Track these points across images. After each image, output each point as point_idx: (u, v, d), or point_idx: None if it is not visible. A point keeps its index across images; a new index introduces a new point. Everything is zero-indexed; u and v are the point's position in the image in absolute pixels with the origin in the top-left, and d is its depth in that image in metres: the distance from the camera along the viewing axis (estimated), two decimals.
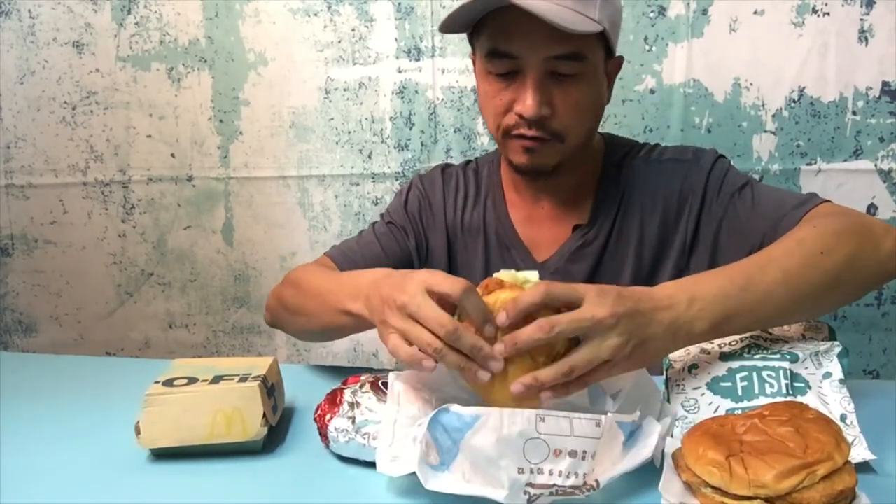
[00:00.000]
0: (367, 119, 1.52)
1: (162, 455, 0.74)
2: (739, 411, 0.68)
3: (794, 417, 0.59)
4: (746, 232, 0.90)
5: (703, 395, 0.71)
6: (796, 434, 0.57)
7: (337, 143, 1.54)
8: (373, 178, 1.54)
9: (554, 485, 0.60)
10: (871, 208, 1.40)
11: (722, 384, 0.71)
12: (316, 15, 1.50)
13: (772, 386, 0.69)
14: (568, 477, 0.60)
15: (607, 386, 0.74)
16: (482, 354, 0.64)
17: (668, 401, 0.73)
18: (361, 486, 0.68)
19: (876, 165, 1.38)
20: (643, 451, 0.63)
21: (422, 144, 1.51)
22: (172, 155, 1.59)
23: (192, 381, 0.75)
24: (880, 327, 1.44)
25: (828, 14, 1.35)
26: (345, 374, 0.82)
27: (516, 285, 0.67)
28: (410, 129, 1.51)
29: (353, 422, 0.70)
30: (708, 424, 0.62)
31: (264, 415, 0.73)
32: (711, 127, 1.42)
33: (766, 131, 1.41)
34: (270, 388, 0.77)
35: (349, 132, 1.53)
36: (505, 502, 0.59)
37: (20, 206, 1.62)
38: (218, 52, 1.54)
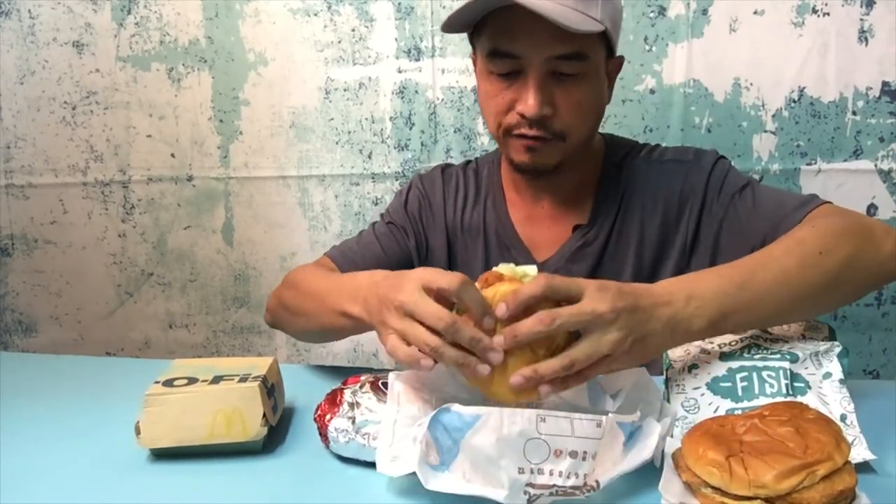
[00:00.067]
0: (367, 119, 1.52)
1: (162, 455, 0.74)
2: (739, 411, 0.68)
3: (794, 417, 0.59)
4: (747, 233, 0.90)
5: (703, 395, 0.71)
6: (796, 434, 0.57)
7: (337, 143, 1.54)
8: (373, 178, 1.54)
9: (554, 485, 0.60)
10: (871, 208, 1.40)
11: (722, 384, 0.71)
12: (316, 15, 1.50)
13: (772, 386, 0.69)
14: (568, 477, 0.60)
15: (607, 385, 0.75)
16: (481, 346, 0.64)
17: (668, 401, 0.73)
18: (361, 486, 0.68)
19: (876, 165, 1.39)
20: (643, 451, 0.63)
21: (422, 144, 1.51)
22: (172, 155, 1.59)
23: (192, 381, 0.75)
24: (880, 327, 1.44)
25: (828, 14, 1.35)
26: (345, 374, 0.82)
27: (515, 279, 0.67)
28: (410, 129, 1.51)
29: (353, 422, 0.70)
30: (708, 424, 0.62)
31: (264, 415, 0.73)
32: (711, 127, 1.42)
33: (766, 131, 1.41)
34: (270, 388, 0.77)
35: (349, 132, 1.53)
36: (505, 502, 0.59)
37: (20, 206, 1.62)
38: (218, 52, 1.54)
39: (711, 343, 0.76)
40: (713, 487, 0.56)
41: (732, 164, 0.98)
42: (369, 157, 1.53)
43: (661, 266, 0.97)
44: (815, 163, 1.40)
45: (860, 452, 0.64)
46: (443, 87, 1.48)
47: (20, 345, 1.68)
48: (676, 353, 0.77)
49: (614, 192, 0.99)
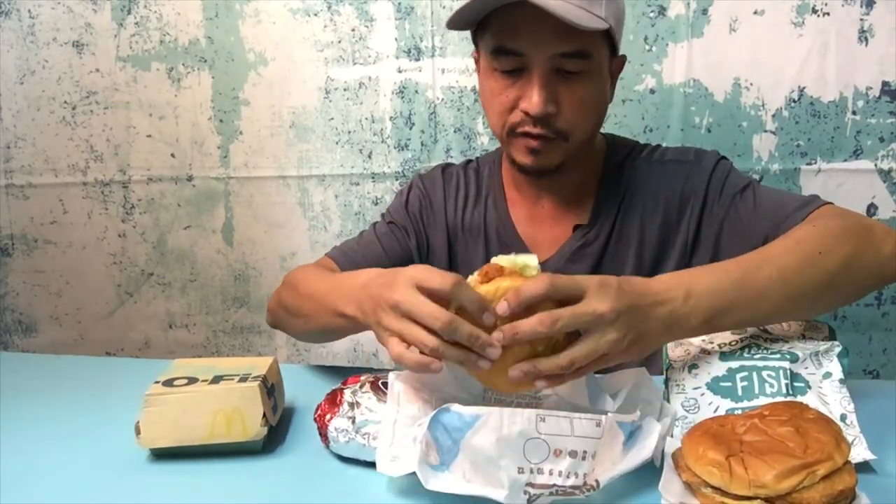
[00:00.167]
0: (367, 119, 1.52)
1: (162, 455, 0.74)
2: (739, 411, 0.68)
3: (794, 417, 0.59)
4: (748, 233, 0.90)
5: (703, 395, 0.71)
6: (796, 434, 0.57)
7: (337, 143, 1.54)
8: (373, 178, 1.54)
9: (554, 485, 0.60)
10: (871, 208, 1.40)
11: (722, 384, 0.71)
12: (316, 15, 1.50)
13: (772, 386, 0.69)
14: (568, 477, 0.60)
15: (607, 385, 0.75)
16: (480, 343, 0.64)
17: (668, 401, 0.73)
18: (361, 486, 0.68)
19: (876, 165, 1.39)
20: (643, 451, 0.63)
21: (422, 144, 1.51)
22: (172, 155, 1.59)
23: (192, 381, 0.75)
24: (880, 327, 1.44)
25: (828, 14, 1.35)
26: (345, 374, 0.82)
27: (515, 271, 0.66)
28: (410, 129, 1.51)
29: (353, 422, 0.70)
30: (708, 424, 0.62)
31: (264, 415, 0.73)
32: (711, 127, 1.42)
33: (766, 131, 1.41)
34: (270, 388, 0.77)
35: (349, 132, 1.53)
36: (505, 502, 0.59)
37: (20, 206, 1.62)
38: (218, 52, 1.54)
39: (711, 343, 0.76)
40: (713, 487, 0.56)
41: (733, 164, 0.98)
42: (369, 157, 1.53)
43: (662, 266, 0.97)
44: (815, 163, 1.40)
45: (860, 452, 0.64)
46: (443, 86, 1.48)
47: (20, 345, 1.68)
48: (676, 353, 0.77)
49: (615, 193, 0.99)
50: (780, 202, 0.90)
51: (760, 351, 0.73)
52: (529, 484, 0.59)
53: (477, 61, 0.98)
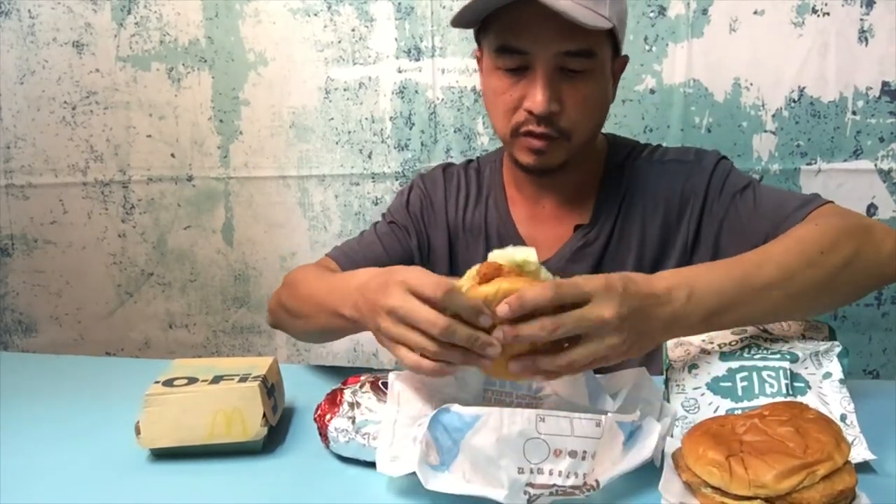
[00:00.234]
0: (367, 119, 1.52)
1: (162, 455, 0.74)
2: (739, 411, 0.68)
3: (794, 417, 0.59)
4: (748, 233, 0.90)
5: (703, 395, 0.71)
6: (796, 434, 0.57)
7: (337, 143, 1.54)
8: (373, 178, 1.54)
9: (554, 485, 0.60)
10: (871, 208, 1.40)
11: (722, 384, 0.71)
12: (316, 15, 1.50)
13: (772, 386, 0.69)
14: (568, 477, 0.60)
15: (607, 385, 0.75)
16: (479, 344, 0.63)
17: (668, 401, 0.73)
18: (361, 486, 0.68)
19: (876, 165, 1.39)
20: (643, 451, 0.63)
21: (422, 144, 1.51)
22: (172, 155, 1.59)
23: (192, 381, 0.75)
24: (880, 327, 1.44)
25: (828, 14, 1.35)
26: (345, 374, 0.82)
27: (514, 269, 0.65)
28: (410, 129, 1.51)
29: (353, 422, 0.70)
30: (708, 424, 0.62)
31: (264, 415, 0.73)
32: (711, 127, 1.42)
33: (766, 131, 1.41)
34: (270, 388, 0.77)
35: (349, 132, 1.53)
36: (505, 502, 0.59)
37: (20, 206, 1.62)
38: (218, 52, 1.54)
39: (711, 343, 0.76)
40: (713, 487, 0.56)
41: (734, 164, 0.98)
42: (369, 157, 1.53)
43: (662, 266, 0.97)
44: (815, 163, 1.40)
45: (860, 452, 0.64)
46: (443, 87, 1.48)
47: (20, 345, 1.68)
48: (676, 353, 0.77)
49: (616, 193, 0.99)
50: (781, 201, 0.90)
51: (760, 351, 0.73)
52: (529, 484, 0.59)
53: (479, 60, 0.98)
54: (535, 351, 0.65)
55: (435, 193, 1.08)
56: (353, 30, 1.50)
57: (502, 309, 0.62)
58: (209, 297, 1.63)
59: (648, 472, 0.63)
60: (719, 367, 0.73)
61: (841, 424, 0.62)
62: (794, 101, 1.39)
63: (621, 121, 1.43)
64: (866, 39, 1.35)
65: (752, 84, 1.40)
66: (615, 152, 1.02)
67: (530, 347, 0.65)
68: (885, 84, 1.36)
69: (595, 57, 0.88)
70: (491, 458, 0.60)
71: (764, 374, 0.70)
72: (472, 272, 0.65)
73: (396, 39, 1.49)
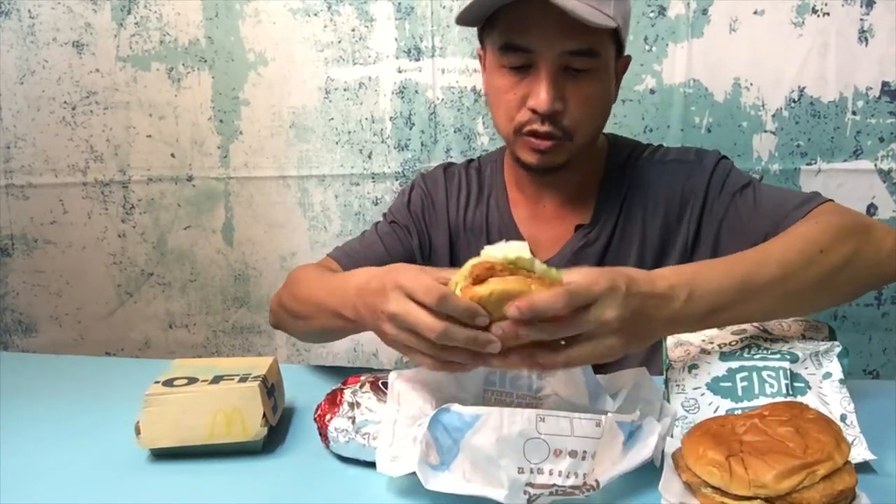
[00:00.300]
0: (367, 119, 1.52)
1: (162, 455, 0.74)
2: (739, 411, 0.68)
3: (794, 417, 0.59)
4: (748, 232, 0.90)
5: (703, 395, 0.71)
6: (796, 434, 0.57)
7: (337, 143, 1.54)
8: (373, 178, 1.54)
9: (554, 485, 0.60)
10: (871, 208, 1.40)
11: (722, 384, 0.71)
12: (316, 15, 1.50)
13: (772, 386, 0.69)
14: (568, 477, 0.60)
15: (607, 385, 0.75)
16: (479, 343, 0.63)
17: (668, 401, 0.73)
18: (361, 486, 0.68)
19: (876, 165, 1.39)
20: (643, 451, 0.63)
21: (422, 144, 1.51)
22: (172, 155, 1.59)
23: (192, 381, 0.75)
24: (880, 327, 1.44)
25: (828, 14, 1.35)
26: (345, 374, 0.82)
27: (507, 268, 0.63)
28: (410, 129, 1.51)
29: (353, 422, 0.70)
30: (708, 424, 0.62)
31: (264, 415, 0.73)
32: (711, 127, 1.42)
33: (766, 131, 1.41)
34: (270, 388, 0.77)
35: (349, 132, 1.53)
36: (505, 502, 0.59)
37: (20, 206, 1.62)
38: (218, 52, 1.54)
39: (711, 343, 0.76)
40: (713, 487, 0.56)
41: (734, 164, 0.98)
42: (369, 157, 1.53)
43: (663, 266, 0.97)
44: (815, 163, 1.40)
45: (860, 452, 0.64)
46: (443, 87, 1.48)
47: (20, 345, 1.68)
48: (676, 353, 0.77)
49: (617, 192, 0.99)
50: (781, 200, 0.90)
51: (760, 351, 0.73)
52: (529, 484, 0.60)
53: (482, 59, 0.98)
54: (533, 343, 0.64)
55: (436, 193, 1.08)
56: (353, 30, 1.50)
57: (511, 311, 0.61)
58: (209, 297, 1.63)
59: (648, 472, 0.63)
60: (719, 367, 0.73)
61: (841, 424, 0.62)
62: (794, 101, 1.39)
63: (621, 121, 1.43)
64: (866, 39, 1.35)
65: (752, 84, 1.40)
66: (616, 152, 1.02)
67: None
68: (885, 84, 1.36)
69: (599, 56, 0.88)
70: (491, 457, 0.60)
71: (764, 374, 0.70)
72: (466, 270, 0.64)
73: (396, 39, 1.49)
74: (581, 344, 0.64)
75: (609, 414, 0.62)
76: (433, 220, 1.07)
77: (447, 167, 1.11)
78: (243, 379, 0.75)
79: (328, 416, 0.72)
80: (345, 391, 0.73)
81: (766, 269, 0.72)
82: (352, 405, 0.71)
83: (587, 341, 0.64)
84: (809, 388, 0.70)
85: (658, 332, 0.70)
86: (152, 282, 1.64)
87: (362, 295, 0.73)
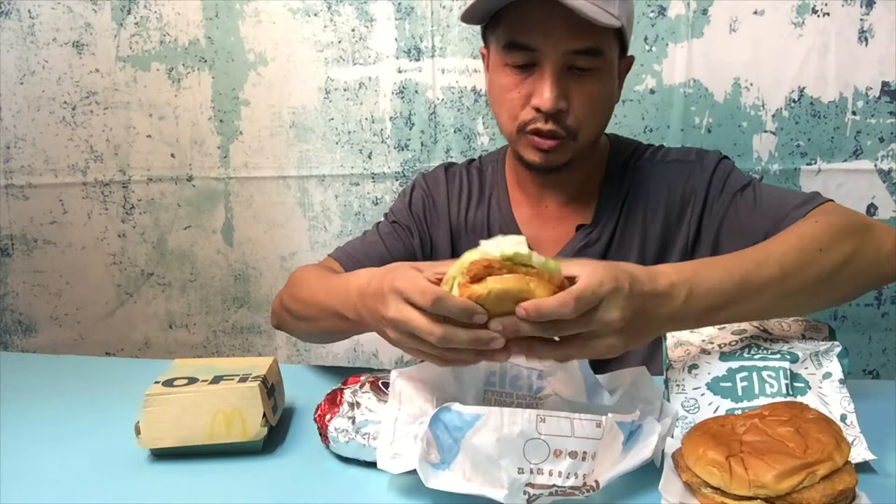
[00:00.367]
0: (367, 119, 1.52)
1: (162, 455, 0.74)
2: (739, 411, 0.68)
3: (794, 417, 0.59)
4: (748, 231, 0.90)
5: (703, 395, 0.71)
6: (796, 434, 0.57)
7: (337, 143, 1.54)
8: (373, 178, 1.54)
9: (554, 485, 0.60)
10: (871, 208, 1.40)
11: (722, 384, 0.71)
12: (316, 15, 1.50)
13: (772, 386, 0.69)
14: (568, 477, 0.60)
15: (606, 382, 0.75)
16: (481, 342, 0.63)
17: (668, 401, 0.73)
18: (361, 486, 0.68)
19: (876, 165, 1.39)
20: (643, 451, 0.63)
21: (422, 144, 1.51)
22: (172, 155, 1.59)
23: (192, 381, 0.75)
24: (880, 327, 1.44)
25: (828, 14, 1.35)
26: (345, 374, 0.82)
27: (505, 265, 0.62)
28: (410, 129, 1.51)
29: (353, 422, 0.70)
30: (708, 424, 0.62)
31: (264, 415, 0.73)
32: (711, 127, 1.42)
33: (766, 131, 1.41)
34: (270, 388, 0.77)
35: (349, 132, 1.53)
36: (505, 502, 0.59)
37: (20, 206, 1.62)
38: (218, 52, 1.54)
39: (711, 343, 0.76)
40: (713, 487, 0.56)
41: (735, 164, 0.98)
42: (369, 157, 1.53)
43: None
44: (815, 163, 1.40)
45: (860, 452, 0.64)
46: (443, 87, 1.48)
47: (20, 345, 1.68)
48: (676, 353, 0.77)
49: (618, 193, 0.99)
50: (781, 200, 0.90)
51: (760, 351, 0.73)
52: (529, 484, 0.60)
53: (485, 58, 0.98)
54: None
55: (437, 193, 1.08)
56: (353, 30, 1.50)
57: (518, 311, 0.61)
58: (209, 297, 1.63)
59: (648, 472, 0.63)
60: (719, 367, 0.73)
61: (841, 424, 0.62)
62: (794, 101, 1.39)
63: (621, 121, 1.43)
64: (866, 39, 1.35)
65: (752, 84, 1.40)
66: (617, 152, 1.02)
67: None
68: (885, 84, 1.36)
69: (603, 56, 0.88)
70: (491, 457, 0.60)
71: (764, 374, 0.70)
72: (462, 266, 0.63)
73: (396, 39, 1.49)
74: (581, 341, 0.64)
75: (609, 414, 0.62)
76: (434, 219, 1.07)
77: (448, 167, 1.11)
78: (243, 379, 0.75)
79: (328, 416, 0.72)
80: (345, 391, 0.73)
81: (766, 267, 0.72)
82: (352, 405, 0.71)
83: (588, 340, 0.64)
84: (809, 388, 0.70)
85: (657, 330, 0.70)
86: (152, 282, 1.64)
87: (362, 297, 0.73)
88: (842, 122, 1.38)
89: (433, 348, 0.64)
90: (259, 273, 1.61)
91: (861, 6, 1.34)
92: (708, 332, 0.78)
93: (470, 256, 0.63)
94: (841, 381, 0.70)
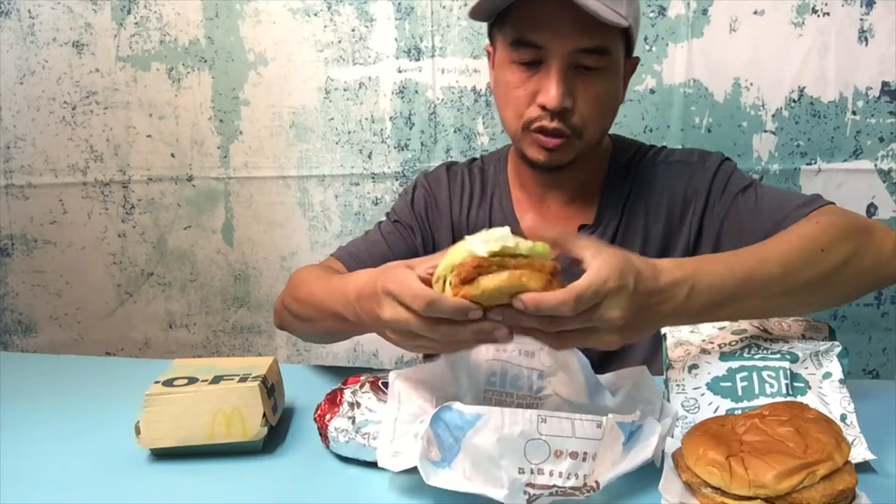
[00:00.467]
0: (367, 119, 1.52)
1: (162, 455, 0.74)
2: (739, 411, 0.68)
3: (794, 417, 0.59)
4: (749, 232, 0.90)
5: (703, 395, 0.71)
6: (796, 434, 0.57)
7: (337, 143, 1.54)
8: (373, 178, 1.54)
9: (554, 485, 0.60)
10: (871, 208, 1.40)
11: (722, 384, 0.71)
12: (316, 15, 1.50)
13: (772, 386, 0.69)
14: (568, 478, 0.60)
15: (607, 384, 0.75)
16: (485, 334, 0.63)
17: (668, 401, 0.73)
18: (361, 486, 0.68)
19: (876, 165, 1.39)
20: (643, 451, 0.63)
21: (422, 144, 1.51)
22: (172, 155, 1.59)
23: (192, 381, 0.75)
24: (880, 327, 1.44)
25: (828, 14, 1.35)
26: (345, 374, 0.82)
27: (494, 262, 0.60)
28: (410, 129, 1.51)
29: (353, 422, 0.70)
30: (708, 424, 0.62)
31: (264, 415, 0.73)
32: (711, 127, 1.42)
33: (766, 131, 1.41)
34: (270, 388, 0.77)
35: (349, 132, 1.53)
36: (505, 502, 0.59)
37: (20, 206, 1.62)
38: (218, 52, 1.54)
39: (711, 343, 0.76)
40: (713, 487, 0.56)
41: (737, 165, 0.98)
42: (369, 157, 1.53)
43: None
44: (815, 163, 1.40)
45: (860, 452, 0.64)
46: (443, 87, 1.48)
47: (20, 345, 1.68)
48: (676, 353, 0.77)
49: (620, 193, 0.99)
50: (783, 201, 0.90)
51: (760, 351, 0.73)
52: (529, 484, 0.60)
53: (490, 56, 0.98)
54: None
55: (439, 192, 1.08)
56: (353, 30, 1.50)
57: (516, 303, 0.61)
58: (209, 297, 1.63)
59: (648, 472, 0.63)
60: (719, 367, 0.73)
61: (841, 424, 0.62)
62: (794, 101, 1.39)
63: (621, 121, 1.42)
64: (866, 39, 1.35)
65: (752, 84, 1.40)
66: (620, 153, 1.02)
67: None
68: (885, 84, 1.36)
69: (609, 55, 0.88)
70: (492, 457, 0.60)
71: (764, 374, 0.70)
72: (451, 262, 0.62)
73: (396, 39, 1.49)
74: (580, 334, 0.64)
75: (610, 415, 0.62)
76: (436, 219, 1.07)
77: (450, 166, 1.11)
78: (243, 379, 0.75)
79: (328, 416, 0.72)
80: (345, 391, 0.73)
81: (767, 266, 0.72)
82: (352, 405, 0.71)
83: (587, 333, 0.64)
84: (809, 388, 0.70)
85: (657, 325, 0.70)
86: (152, 282, 1.64)
87: (359, 299, 0.73)
88: (842, 122, 1.38)
89: (432, 342, 0.65)
90: (259, 273, 1.61)
91: (861, 6, 1.34)
92: (708, 332, 0.78)
93: (457, 254, 0.62)
94: (841, 381, 0.70)
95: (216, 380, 0.75)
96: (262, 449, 0.75)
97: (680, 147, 1.32)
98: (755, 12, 1.37)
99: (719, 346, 0.75)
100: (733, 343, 0.75)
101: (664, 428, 0.65)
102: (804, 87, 1.38)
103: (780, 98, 1.39)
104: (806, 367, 0.71)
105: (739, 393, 0.70)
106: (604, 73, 0.89)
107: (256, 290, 1.62)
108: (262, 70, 1.53)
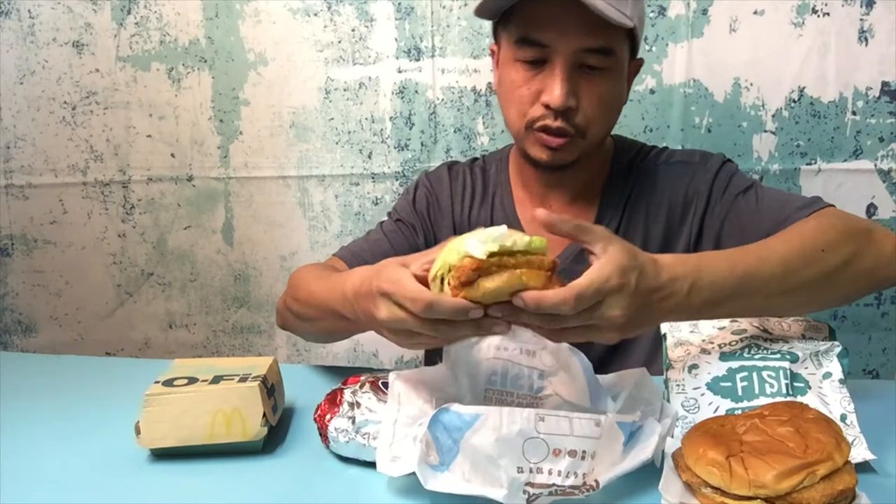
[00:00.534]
0: (367, 119, 1.52)
1: (162, 455, 0.74)
2: (739, 411, 0.68)
3: (794, 417, 0.59)
4: (749, 233, 0.90)
5: (703, 395, 0.71)
6: (796, 434, 0.57)
7: (337, 143, 1.54)
8: (373, 178, 1.54)
9: (553, 484, 0.60)
10: (871, 208, 1.40)
11: (722, 384, 0.71)
12: (316, 15, 1.50)
13: (772, 386, 0.69)
14: (567, 477, 0.60)
15: (608, 385, 0.75)
16: (485, 329, 0.63)
17: (668, 401, 0.73)
18: (361, 486, 0.68)
19: (876, 165, 1.39)
20: (643, 451, 0.63)
21: (422, 144, 1.51)
22: (172, 155, 1.59)
23: (192, 381, 0.75)
24: (880, 327, 1.44)
25: (828, 14, 1.35)
26: (345, 374, 0.82)
27: (493, 262, 0.60)
28: (410, 129, 1.51)
29: (353, 422, 0.70)
30: (708, 424, 0.62)
31: (264, 415, 0.73)
32: (711, 127, 1.42)
33: (766, 131, 1.41)
34: (270, 388, 0.77)
35: (349, 132, 1.53)
36: (504, 502, 0.59)
37: (20, 206, 1.62)
38: (218, 52, 1.54)
39: (711, 343, 0.76)
40: (713, 487, 0.56)
41: (738, 166, 0.99)
42: (369, 157, 1.53)
43: None
44: (815, 163, 1.40)
45: (860, 452, 0.64)
46: (443, 87, 1.48)
47: (20, 345, 1.68)
48: (676, 353, 0.77)
49: (621, 193, 0.99)
50: (783, 202, 0.90)
51: (760, 351, 0.73)
52: (528, 483, 0.59)
53: (494, 55, 0.98)
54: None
55: (441, 192, 1.08)
56: (353, 30, 1.50)
57: (516, 301, 0.61)
58: (209, 297, 1.63)
59: (648, 472, 0.63)
60: (719, 367, 0.73)
61: (841, 424, 0.62)
62: (794, 101, 1.39)
63: (621, 121, 1.39)
64: (866, 39, 1.35)
65: (752, 84, 1.40)
66: (621, 153, 1.02)
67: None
68: (885, 84, 1.36)
69: (614, 55, 0.88)
70: (490, 457, 0.60)
71: (764, 374, 0.70)
72: (447, 262, 0.61)
73: (396, 39, 1.49)
74: (580, 330, 0.64)
75: (609, 413, 0.62)
76: (438, 218, 1.07)
77: (451, 166, 1.11)
78: (243, 379, 0.75)
79: (328, 416, 0.72)
80: (345, 391, 0.73)
81: (768, 265, 0.72)
82: (352, 405, 0.71)
83: (587, 329, 0.64)
84: (809, 388, 0.70)
85: (656, 322, 0.71)
86: (152, 282, 1.64)
87: (357, 299, 0.73)
88: (842, 122, 1.38)
89: (432, 339, 0.65)
90: (259, 273, 1.61)
91: (861, 6, 1.34)
92: (708, 332, 0.78)
93: (453, 253, 0.61)
94: (841, 381, 0.70)
95: (216, 380, 0.75)
96: (262, 449, 0.75)
97: (680, 147, 1.32)
98: (755, 12, 1.37)
99: (719, 346, 0.75)
100: (733, 343, 0.75)
101: (664, 428, 0.65)
102: (804, 88, 1.38)
103: (780, 98, 1.39)
104: (806, 367, 0.71)
105: (739, 393, 0.70)
106: (608, 73, 0.89)
107: (256, 291, 1.61)
108: (262, 70, 1.53)
